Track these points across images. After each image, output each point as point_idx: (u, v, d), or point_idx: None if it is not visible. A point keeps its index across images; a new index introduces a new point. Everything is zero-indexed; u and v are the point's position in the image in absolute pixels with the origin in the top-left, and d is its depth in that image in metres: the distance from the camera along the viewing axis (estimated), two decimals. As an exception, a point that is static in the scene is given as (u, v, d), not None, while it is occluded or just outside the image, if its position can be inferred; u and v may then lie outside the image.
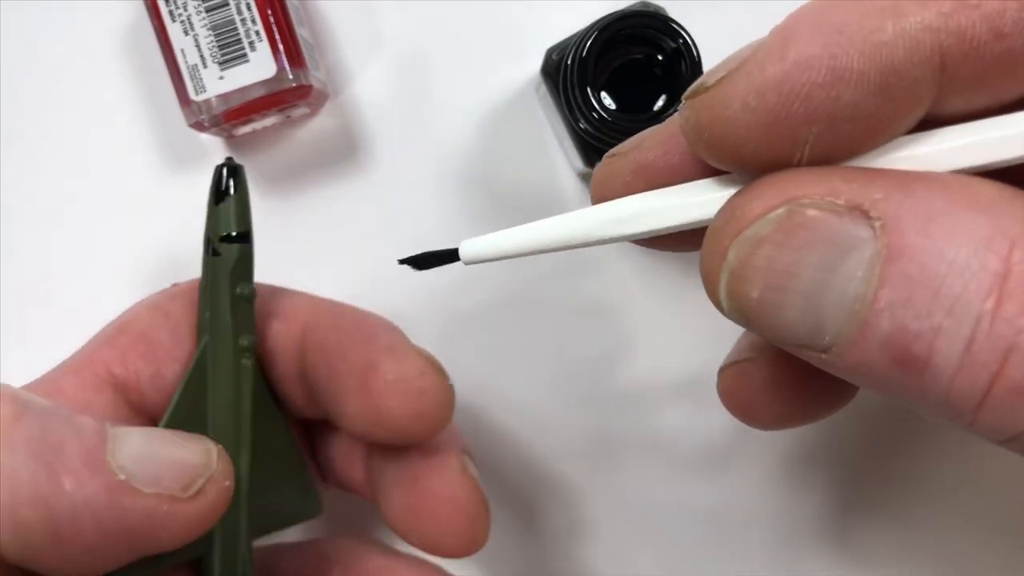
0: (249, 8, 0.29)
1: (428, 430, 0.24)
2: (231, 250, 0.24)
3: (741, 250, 0.15)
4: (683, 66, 0.27)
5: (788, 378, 0.20)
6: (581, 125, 0.28)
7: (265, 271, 0.33)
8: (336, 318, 0.25)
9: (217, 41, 0.29)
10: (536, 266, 0.33)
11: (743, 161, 0.16)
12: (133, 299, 0.33)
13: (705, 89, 0.16)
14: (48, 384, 0.24)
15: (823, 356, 0.15)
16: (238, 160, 0.33)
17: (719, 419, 0.33)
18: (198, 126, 0.30)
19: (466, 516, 0.24)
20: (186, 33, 0.30)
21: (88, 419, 0.20)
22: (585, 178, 0.33)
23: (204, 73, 0.30)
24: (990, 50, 0.14)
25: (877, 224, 0.14)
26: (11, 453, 0.18)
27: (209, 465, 0.21)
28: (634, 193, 0.18)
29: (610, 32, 0.26)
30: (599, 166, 0.20)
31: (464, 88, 0.33)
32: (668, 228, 0.17)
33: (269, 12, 0.29)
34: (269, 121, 0.32)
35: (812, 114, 0.15)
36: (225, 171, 0.23)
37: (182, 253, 0.33)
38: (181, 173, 0.33)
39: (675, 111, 0.27)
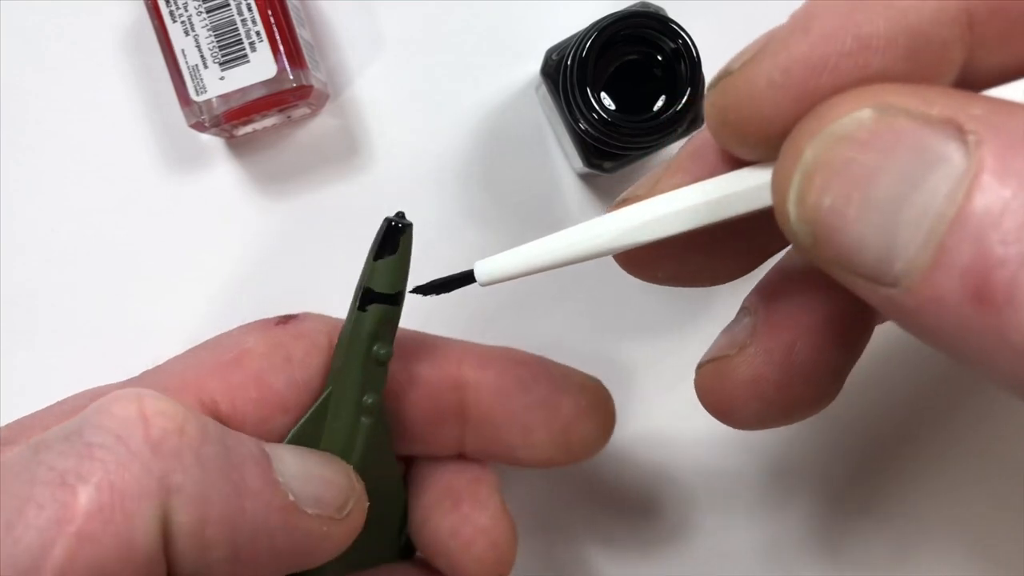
0: (250, 9, 0.29)
1: (601, 449, 0.27)
2: (377, 310, 0.23)
3: (820, 147, 0.14)
4: (683, 66, 0.27)
5: (767, 375, 0.19)
6: (581, 125, 0.28)
7: (265, 271, 0.34)
8: (497, 358, 0.26)
9: (218, 42, 0.30)
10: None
11: (770, 141, 0.15)
12: (132, 299, 0.34)
13: (729, 73, 0.16)
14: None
15: (891, 291, 0.14)
16: (238, 160, 0.33)
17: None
18: (199, 126, 0.30)
19: (500, 550, 0.25)
20: (187, 33, 0.30)
21: (246, 437, 0.20)
22: (585, 178, 0.34)
23: (205, 73, 0.30)
24: (1017, 7, 0.14)
25: (972, 139, 0.13)
26: (203, 472, 0.18)
27: (353, 486, 0.22)
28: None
29: (610, 32, 0.26)
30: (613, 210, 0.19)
31: (464, 88, 0.33)
32: (681, 230, 0.17)
33: (270, 13, 0.29)
34: (270, 121, 0.32)
35: (840, 85, 0.14)
36: (392, 227, 0.22)
37: (182, 253, 0.33)
38: (181, 173, 0.33)
39: (674, 112, 0.27)
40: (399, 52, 0.33)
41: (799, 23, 0.15)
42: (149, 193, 0.33)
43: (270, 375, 0.23)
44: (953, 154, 0.13)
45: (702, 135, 0.19)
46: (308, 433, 0.23)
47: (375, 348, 0.23)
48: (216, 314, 0.33)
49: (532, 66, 0.32)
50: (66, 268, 0.33)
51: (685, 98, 0.27)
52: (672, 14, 0.27)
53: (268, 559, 0.19)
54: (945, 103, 0.13)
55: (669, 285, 0.20)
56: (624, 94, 0.28)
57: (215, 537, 0.18)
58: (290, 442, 0.23)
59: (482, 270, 0.19)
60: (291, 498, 0.20)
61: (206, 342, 0.24)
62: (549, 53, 0.30)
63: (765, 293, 0.20)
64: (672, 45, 0.27)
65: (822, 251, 0.14)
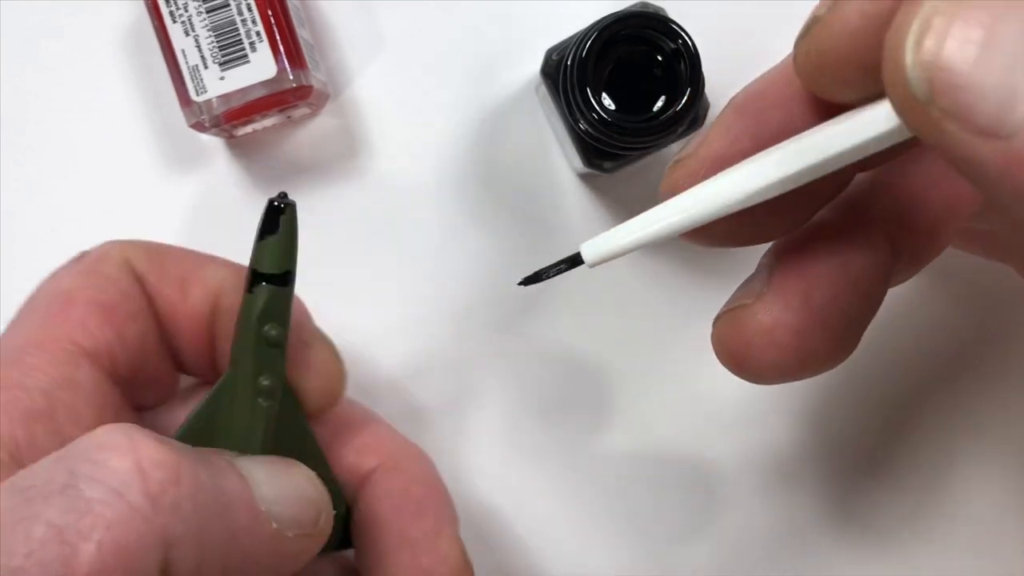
0: (250, 9, 0.29)
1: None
2: (264, 290, 0.22)
3: None
4: (682, 66, 0.27)
5: (785, 321, 0.18)
6: (581, 125, 0.28)
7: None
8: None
9: (218, 42, 0.30)
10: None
11: (869, 75, 0.15)
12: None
13: (818, 19, 0.16)
14: (14, 364, 0.22)
15: (1002, 145, 0.13)
16: (238, 160, 0.33)
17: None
18: (199, 126, 0.30)
19: None
20: (187, 34, 0.30)
21: (220, 459, 0.20)
22: (585, 178, 0.34)
23: (205, 74, 0.30)
24: None
25: None
26: (199, 519, 0.18)
27: (323, 497, 0.22)
28: None
29: (610, 33, 0.26)
30: (668, 175, 0.20)
31: (464, 88, 0.33)
32: (789, 181, 0.17)
33: (270, 13, 0.29)
34: (270, 121, 0.32)
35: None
36: (273, 207, 0.22)
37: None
38: (181, 173, 0.33)
39: (674, 112, 0.27)
40: (399, 52, 0.33)
41: None
42: (149, 193, 0.33)
43: (101, 296, 0.23)
44: None
45: (744, 92, 0.19)
46: (207, 415, 0.23)
47: (266, 329, 0.22)
48: (216, 314, 0.33)
49: (532, 66, 0.32)
50: (66, 268, 0.33)
51: (685, 98, 0.27)
52: (672, 14, 0.27)
53: None
54: None
55: (721, 247, 0.20)
56: (624, 94, 0.28)
57: (209, 574, 0.18)
58: (188, 428, 0.23)
59: (589, 251, 0.19)
60: (275, 526, 0.20)
61: (25, 307, 0.25)
62: (549, 53, 0.30)
63: (780, 249, 0.20)
64: (672, 45, 0.27)
65: (938, 100, 0.13)
